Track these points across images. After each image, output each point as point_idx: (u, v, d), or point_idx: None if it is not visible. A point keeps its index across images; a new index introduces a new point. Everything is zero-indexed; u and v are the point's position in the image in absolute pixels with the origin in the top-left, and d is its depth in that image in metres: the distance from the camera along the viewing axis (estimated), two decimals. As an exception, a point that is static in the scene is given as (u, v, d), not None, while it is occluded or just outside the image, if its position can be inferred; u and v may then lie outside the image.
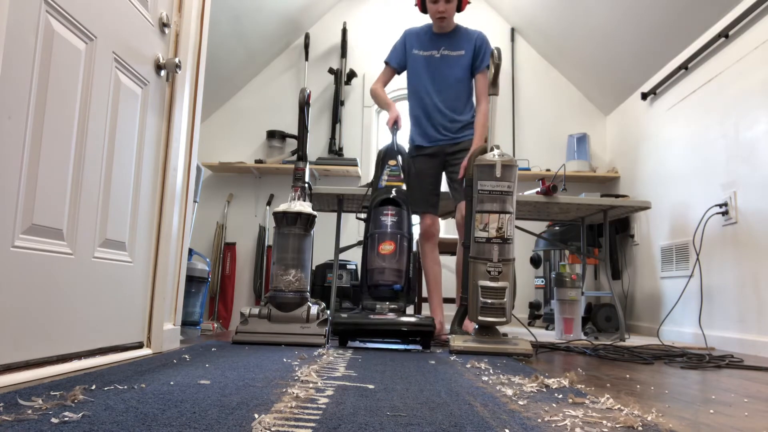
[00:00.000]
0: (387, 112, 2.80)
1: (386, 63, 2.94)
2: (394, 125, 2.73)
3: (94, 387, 1.13)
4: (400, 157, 2.70)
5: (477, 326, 2.29)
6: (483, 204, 2.27)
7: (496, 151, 2.31)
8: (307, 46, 4.68)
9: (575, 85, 4.75)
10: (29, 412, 0.89)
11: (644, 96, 3.96)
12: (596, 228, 4.07)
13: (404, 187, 2.63)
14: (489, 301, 2.21)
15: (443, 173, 2.93)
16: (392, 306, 2.45)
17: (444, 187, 4.68)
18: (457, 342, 2.18)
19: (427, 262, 2.87)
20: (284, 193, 4.51)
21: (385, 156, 2.71)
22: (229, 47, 4.09)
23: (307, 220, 2.47)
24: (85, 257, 1.50)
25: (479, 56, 2.81)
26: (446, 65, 2.84)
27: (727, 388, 1.54)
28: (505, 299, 2.21)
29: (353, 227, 4.40)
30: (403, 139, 2.88)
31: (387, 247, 2.46)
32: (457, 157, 2.81)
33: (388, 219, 2.51)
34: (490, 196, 2.26)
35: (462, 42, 2.84)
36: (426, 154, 2.87)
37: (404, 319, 2.29)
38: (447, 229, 4.48)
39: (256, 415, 0.91)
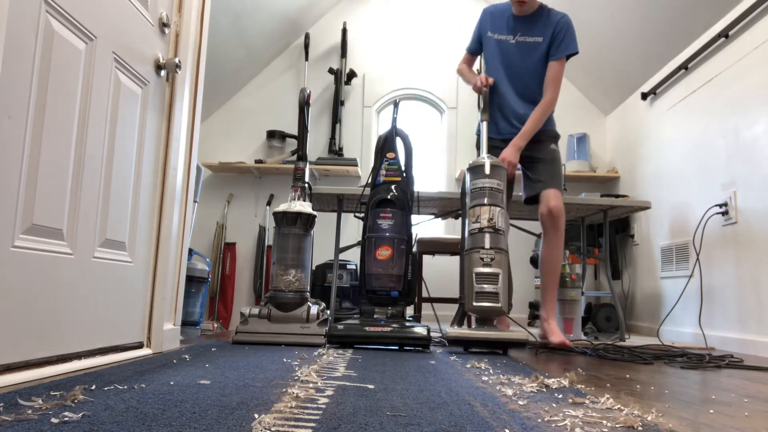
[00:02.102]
0: (473, 83, 2.62)
1: (467, 49, 2.79)
2: (485, 87, 2.55)
3: (94, 387, 1.13)
4: (401, 142, 2.63)
5: (475, 322, 2.31)
6: (475, 200, 2.34)
7: (485, 155, 2.43)
8: (307, 46, 4.68)
9: (575, 85, 4.75)
10: (29, 412, 0.89)
11: (644, 96, 3.96)
12: (596, 228, 4.07)
13: (404, 177, 2.57)
14: (483, 286, 2.22)
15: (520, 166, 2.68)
16: (391, 311, 2.44)
17: (444, 186, 4.67)
18: (454, 331, 2.23)
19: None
20: (284, 193, 4.51)
21: (384, 146, 2.61)
22: (229, 47, 4.09)
23: (307, 220, 2.47)
24: (85, 257, 1.50)
25: (556, 41, 2.52)
26: (521, 53, 2.56)
27: (727, 388, 1.54)
28: (498, 284, 2.22)
29: (353, 227, 4.40)
30: (405, 128, 2.75)
31: (384, 253, 2.45)
32: (536, 141, 2.57)
33: (385, 222, 2.48)
34: (481, 191, 2.33)
35: (541, 27, 2.54)
36: (495, 146, 2.63)
37: (400, 333, 2.27)
38: (447, 229, 4.48)
39: (256, 415, 0.91)
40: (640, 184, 4.08)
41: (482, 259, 2.25)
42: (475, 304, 2.23)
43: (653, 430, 0.93)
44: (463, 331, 2.21)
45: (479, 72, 4.61)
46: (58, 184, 1.38)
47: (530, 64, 2.56)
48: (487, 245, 2.26)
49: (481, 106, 2.58)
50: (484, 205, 2.31)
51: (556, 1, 4.10)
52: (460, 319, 2.40)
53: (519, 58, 2.57)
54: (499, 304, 2.22)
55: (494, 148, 2.62)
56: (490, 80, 2.57)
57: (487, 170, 2.34)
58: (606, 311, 3.75)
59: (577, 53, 2.56)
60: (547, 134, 2.62)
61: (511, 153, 2.51)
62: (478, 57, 2.78)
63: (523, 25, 2.56)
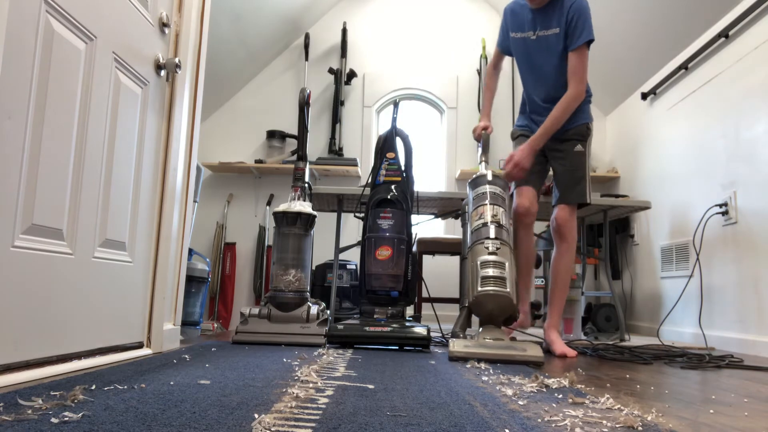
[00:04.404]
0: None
1: (496, 45, 2.68)
2: (480, 134, 2.58)
3: (94, 387, 1.13)
4: (401, 142, 2.64)
5: (480, 328, 2.08)
6: (478, 202, 2.28)
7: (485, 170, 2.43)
8: (307, 46, 4.68)
9: (576, 85, 4.74)
10: (29, 412, 0.89)
11: (644, 96, 3.96)
12: (596, 228, 4.07)
13: (404, 177, 2.57)
14: (489, 272, 2.03)
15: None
16: (391, 311, 2.43)
17: (444, 186, 4.67)
18: (457, 347, 1.92)
19: (518, 248, 2.46)
20: (284, 193, 4.50)
21: (384, 145, 2.61)
22: (229, 47, 4.09)
23: (307, 220, 2.47)
24: (85, 257, 1.50)
25: (570, 30, 2.36)
26: (541, 48, 2.43)
27: (727, 388, 1.54)
28: (506, 270, 2.04)
29: (353, 227, 4.40)
30: (405, 128, 2.76)
31: (384, 253, 2.44)
32: (560, 149, 2.48)
33: (385, 222, 2.47)
34: (483, 196, 2.28)
35: (557, 17, 2.38)
36: (524, 135, 2.55)
37: (400, 333, 2.26)
38: (447, 229, 4.48)
39: (256, 415, 0.91)
40: (640, 184, 4.08)
41: (487, 248, 2.10)
42: (480, 289, 2.01)
43: (653, 430, 0.93)
44: (470, 349, 1.90)
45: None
46: (58, 184, 1.38)
47: (553, 59, 2.41)
48: (492, 235, 2.13)
49: (480, 150, 2.58)
50: (486, 204, 2.24)
51: None
52: (463, 323, 2.27)
53: (542, 54, 2.44)
54: (507, 290, 2.00)
55: (521, 137, 2.58)
56: (489, 129, 2.57)
57: (489, 177, 2.32)
58: (606, 311, 3.75)
59: (593, 40, 2.40)
60: (574, 132, 2.47)
61: (522, 156, 2.40)
62: (505, 58, 2.70)
63: (542, 19, 2.41)
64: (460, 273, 2.43)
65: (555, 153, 2.50)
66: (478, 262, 2.07)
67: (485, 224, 2.18)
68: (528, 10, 2.45)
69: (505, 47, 2.62)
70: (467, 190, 2.42)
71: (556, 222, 2.43)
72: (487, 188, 2.30)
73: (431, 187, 4.53)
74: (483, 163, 2.51)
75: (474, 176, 2.40)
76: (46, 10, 1.31)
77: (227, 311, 4.31)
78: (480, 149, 2.58)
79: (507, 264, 2.06)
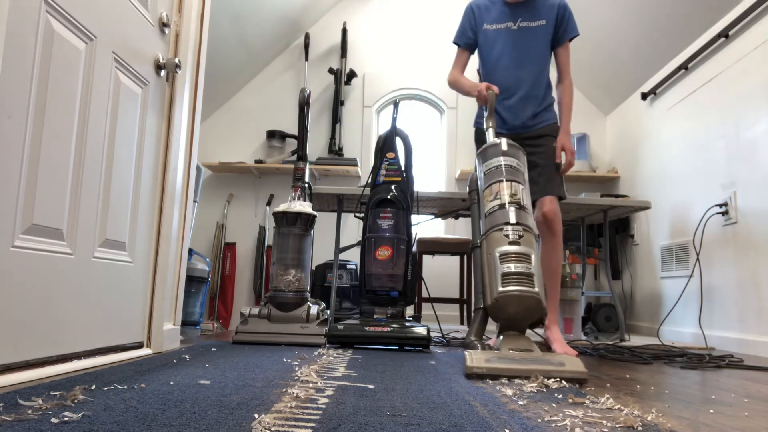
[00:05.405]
0: (474, 94, 2.40)
1: (456, 44, 2.59)
2: (487, 95, 2.31)
3: (94, 387, 1.13)
4: (401, 142, 2.62)
5: (501, 336, 1.72)
6: (491, 179, 1.94)
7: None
8: (307, 46, 4.68)
9: (575, 86, 4.74)
10: (29, 412, 0.89)
11: (644, 96, 3.96)
12: (596, 228, 4.07)
13: (404, 177, 2.56)
14: (512, 266, 1.68)
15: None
16: (391, 311, 2.43)
17: (444, 186, 4.66)
18: (476, 362, 1.50)
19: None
20: (284, 193, 4.51)
21: (384, 146, 2.61)
22: (229, 47, 4.09)
23: (307, 220, 2.47)
24: (85, 257, 1.50)
25: (563, 24, 2.46)
26: (525, 38, 2.47)
27: (727, 388, 1.54)
28: (532, 265, 1.70)
29: (353, 227, 4.40)
30: (405, 128, 2.73)
31: (383, 253, 2.44)
32: (538, 144, 2.45)
33: (385, 222, 2.47)
34: (497, 170, 1.93)
35: (542, 10, 2.47)
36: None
37: (400, 333, 2.26)
38: (447, 229, 4.48)
39: (256, 415, 0.91)
40: (640, 184, 4.08)
41: (507, 236, 1.73)
42: (501, 289, 1.66)
43: (653, 430, 0.93)
44: (493, 364, 1.49)
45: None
46: (58, 184, 1.38)
47: (537, 48, 2.47)
48: (512, 220, 1.77)
49: (486, 112, 2.31)
50: (503, 181, 1.89)
51: (556, 1, 4.11)
52: (479, 329, 1.88)
53: (523, 44, 2.47)
54: (535, 289, 1.66)
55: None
56: (494, 88, 2.35)
57: (504, 147, 1.98)
58: (606, 311, 3.75)
59: (578, 34, 2.53)
60: (549, 128, 2.48)
61: (570, 141, 2.44)
62: (468, 63, 2.62)
63: (522, 11, 2.47)
64: (470, 267, 2.36)
65: (534, 148, 2.46)
66: (497, 255, 1.72)
67: (503, 206, 1.83)
68: (501, 3, 2.51)
69: (471, 44, 2.58)
70: (475, 163, 2.11)
71: (547, 216, 2.37)
72: (502, 160, 1.95)
73: (431, 187, 4.53)
74: (490, 130, 2.24)
75: (484, 146, 2.07)
76: (46, 10, 1.31)
77: (227, 311, 4.31)
78: (486, 113, 2.31)
79: (533, 256, 1.72)
